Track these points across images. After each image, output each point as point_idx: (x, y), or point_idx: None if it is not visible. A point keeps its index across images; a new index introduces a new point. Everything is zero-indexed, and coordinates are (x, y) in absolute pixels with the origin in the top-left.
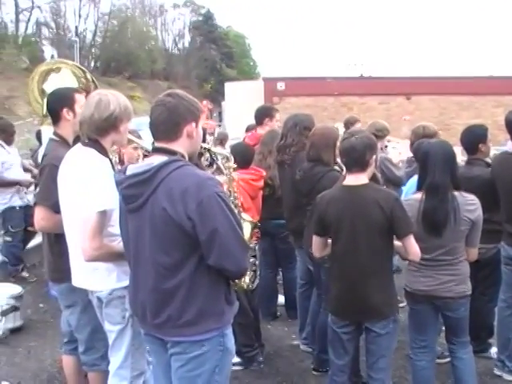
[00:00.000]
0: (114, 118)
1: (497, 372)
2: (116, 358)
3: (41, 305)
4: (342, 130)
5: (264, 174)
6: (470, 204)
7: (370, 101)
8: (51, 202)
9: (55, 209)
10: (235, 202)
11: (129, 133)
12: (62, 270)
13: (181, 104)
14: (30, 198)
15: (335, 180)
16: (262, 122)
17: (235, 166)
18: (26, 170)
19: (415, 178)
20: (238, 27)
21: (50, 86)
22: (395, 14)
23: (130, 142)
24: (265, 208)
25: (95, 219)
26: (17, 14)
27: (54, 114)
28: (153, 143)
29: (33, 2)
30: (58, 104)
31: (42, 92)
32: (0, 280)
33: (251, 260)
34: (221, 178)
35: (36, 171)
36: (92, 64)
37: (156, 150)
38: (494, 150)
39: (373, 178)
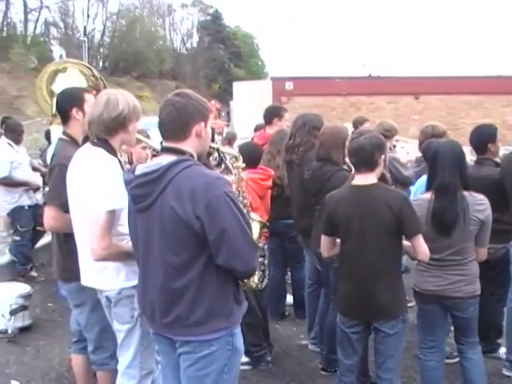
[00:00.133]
0: (122, 118)
1: (506, 372)
2: (125, 358)
3: (49, 304)
4: (350, 130)
5: (272, 173)
6: (479, 204)
7: (378, 100)
8: (61, 201)
9: (65, 208)
10: (244, 202)
11: (137, 132)
12: (71, 270)
13: (190, 104)
14: (38, 197)
15: (344, 179)
16: (271, 121)
17: (244, 165)
18: (34, 169)
19: (424, 177)
20: (246, 27)
21: (58, 87)
22: (404, 13)
23: (138, 141)
24: (273, 208)
25: (104, 219)
26: (25, 13)
27: (64, 114)
28: (161, 143)
29: (41, 2)
30: (68, 104)
31: (51, 93)
32: (9, 279)
33: (260, 260)
34: (229, 178)
35: (44, 170)
36: (100, 64)
37: (165, 150)
38: (503, 150)
39: (381, 178)
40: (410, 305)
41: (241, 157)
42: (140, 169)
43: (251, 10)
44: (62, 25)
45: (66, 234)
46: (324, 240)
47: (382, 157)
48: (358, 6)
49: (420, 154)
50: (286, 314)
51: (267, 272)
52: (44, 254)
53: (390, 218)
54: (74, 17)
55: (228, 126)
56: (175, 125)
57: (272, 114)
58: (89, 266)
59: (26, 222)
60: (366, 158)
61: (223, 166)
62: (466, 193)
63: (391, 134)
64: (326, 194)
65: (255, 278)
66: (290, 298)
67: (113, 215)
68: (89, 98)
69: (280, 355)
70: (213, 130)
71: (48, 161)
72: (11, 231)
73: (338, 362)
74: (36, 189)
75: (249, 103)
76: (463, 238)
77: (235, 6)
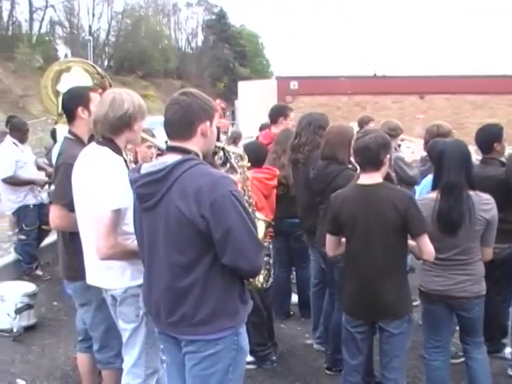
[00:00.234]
0: (128, 117)
1: (511, 372)
2: (130, 356)
3: (54, 303)
4: (355, 130)
5: (278, 172)
6: (485, 203)
7: (383, 100)
8: (66, 200)
9: (70, 207)
10: (249, 201)
11: (143, 131)
12: (76, 269)
13: (195, 103)
14: (43, 196)
15: (350, 178)
16: (276, 120)
17: (249, 164)
18: (39, 168)
19: (429, 177)
20: (251, 26)
21: (63, 87)
22: (409, 12)
23: (143, 140)
24: (279, 207)
25: (109, 218)
26: (31, 13)
27: (69, 113)
28: (166, 142)
29: (47, 1)
30: (73, 103)
31: (57, 93)
32: (14, 278)
33: (265, 259)
34: (234, 177)
35: (50, 169)
36: (105, 63)
37: (170, 149)
38: (508, 150)
39: (387, 178)
40: (414, 303)
41: (246, 156)
42: (145, 168)
43: (256, 9)
44: (67, 24)
45: (71, 232)
46: (329, 239)
47: (388, 156)
48: (364, 5)
49: (425, 153)
50: (291, 313)
51: (272, 271)
52: (49, 252)
53: (395, 217)
54: (80, 16)
55: (233, 125)
56: (181, 124)
57: (277, 113)
58: (94, 265)
59: (31, 220)
60: (372, 157)
61: (228, 165)
62: (471, 192)
63: (396, 133)
64: (331, 193)
65: (260, 278)
66: (295, 298)
67: (118, 214)
68: (94, 97)
69: (285, 354)
70: (218, 129)
71: (53, 160)
72: (16, 230)
73: (342, 362)
74: (42, 186)
75: (254, 102)
76: (469, 238)
77: (240, 5)
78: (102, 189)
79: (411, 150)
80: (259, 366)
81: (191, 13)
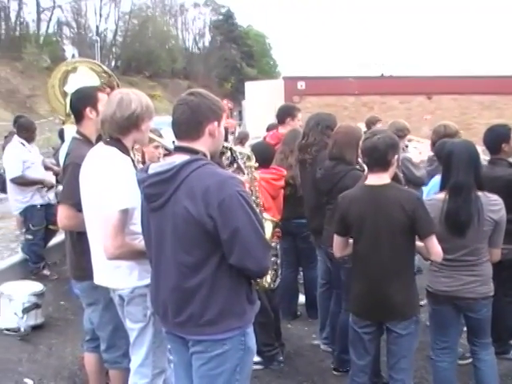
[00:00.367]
0: (135, 117)
1: None
2: (137, 356)
3: (62, 302)
4: (363, 130)
5: (285, 173)
6: (493, 204)
7: (390, 100)
8: (74, 200)
9: (78, 207)
10: (257, 201)
11: (150, 131)
12: (84, 268)
13: (203, 103)
14: (50, 196)
15: (357, 179)
16: (284, 121)
17: (256, 165)
18: (46, 168)
19: (437, 177)
20: (259, 26)
21: (71, 87)
22: (416, 13)
23: (151, 140)
24: (286, 207)
25: (117, 217)
26: (38, 13)
27: (77, 113)
28: (173, 142)
29: (54, 2)
30: (81, 103)
31: (64, 94)
32: (21, 278)
33: (272, 259)
34: (242, 177)
35: (57, 169)
36: (113, 63)
37: (178, 149)
38: None
39: (395, 178)
40: (421, 303)
41: (253, 156)
42: (153, 168)
43: (263, 9)
44: (74, 24)
45: (79, 232)
46: (337, 240)
47: (396, 157)
48: (371, 5)
49: (432, 154)
50: (298, 313)
51: (280, 271)
52: (56, 252)
53: (403, 218)
54: (87, 16)
55: (240, 125)
56: (188, 124)
57: (285, 114)
58: (102, 265)
59: (38, 220)
60: (380, 157)
61: (235, 165)
62: (480, 193)
63: (403, 133)
64: (339, 193)
65: (268, 278)
66: (302, 298)
67: (126, 214)
68: (102, 97)
69: (292, 355)
70: (226, 129)
71: (61, 160)
72: (23, 230)
73: (350, 362)
74: (50, 187)
75: (261, 103)
76: (477, 239)
77: (247, 5)
78: (110, 189)
79: (418, 150)
80: (266, 367)
81: (198, 13)
